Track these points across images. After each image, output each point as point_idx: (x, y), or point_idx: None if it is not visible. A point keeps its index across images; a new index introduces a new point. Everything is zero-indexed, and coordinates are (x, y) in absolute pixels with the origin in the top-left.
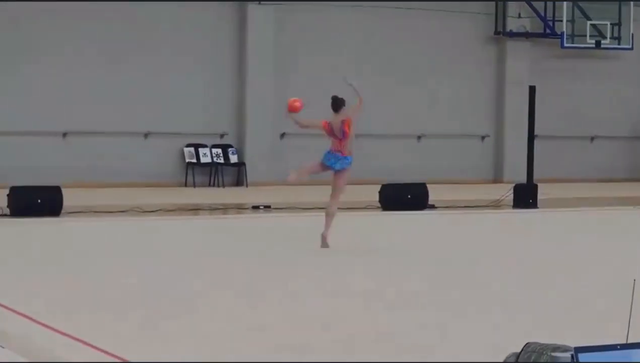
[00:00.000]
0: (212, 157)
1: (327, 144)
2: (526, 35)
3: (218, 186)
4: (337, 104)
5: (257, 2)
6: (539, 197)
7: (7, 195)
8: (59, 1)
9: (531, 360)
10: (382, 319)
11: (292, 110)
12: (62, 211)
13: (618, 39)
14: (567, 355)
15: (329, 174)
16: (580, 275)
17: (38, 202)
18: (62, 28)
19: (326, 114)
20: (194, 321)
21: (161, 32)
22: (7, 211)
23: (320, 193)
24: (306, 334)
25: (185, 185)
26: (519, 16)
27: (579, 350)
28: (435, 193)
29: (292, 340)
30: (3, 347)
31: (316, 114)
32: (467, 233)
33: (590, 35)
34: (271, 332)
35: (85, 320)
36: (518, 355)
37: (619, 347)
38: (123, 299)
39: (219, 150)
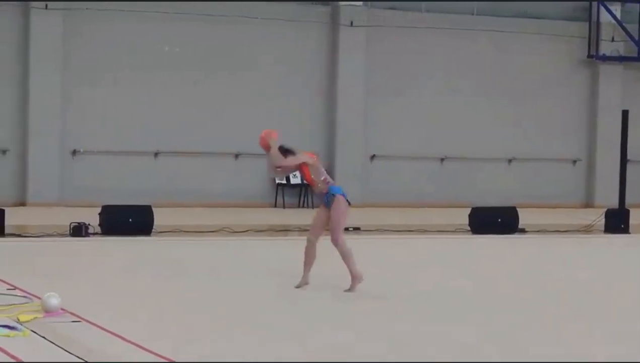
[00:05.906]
0: (302, 179)
1: (417, 166)
2: (619, 59)
3: (307, 207)
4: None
5: (349, 25)
6: (631, 222)
7: (99, 214)
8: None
9: None
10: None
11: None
12: (153, 230)
13: None
14: None
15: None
16: None
17: (129, 221)
18: (151, 49)
19: (415, 137)
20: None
21: (252, 54)
22: (99, 230)
23: (412, 215)
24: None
25: (275, 206)
26: (613, 40)
27: None
28: (525, 217)
29: None
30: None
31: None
32: (562, 258)
33: None
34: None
35: (168, 342)
36: None
37: None
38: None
39: None
